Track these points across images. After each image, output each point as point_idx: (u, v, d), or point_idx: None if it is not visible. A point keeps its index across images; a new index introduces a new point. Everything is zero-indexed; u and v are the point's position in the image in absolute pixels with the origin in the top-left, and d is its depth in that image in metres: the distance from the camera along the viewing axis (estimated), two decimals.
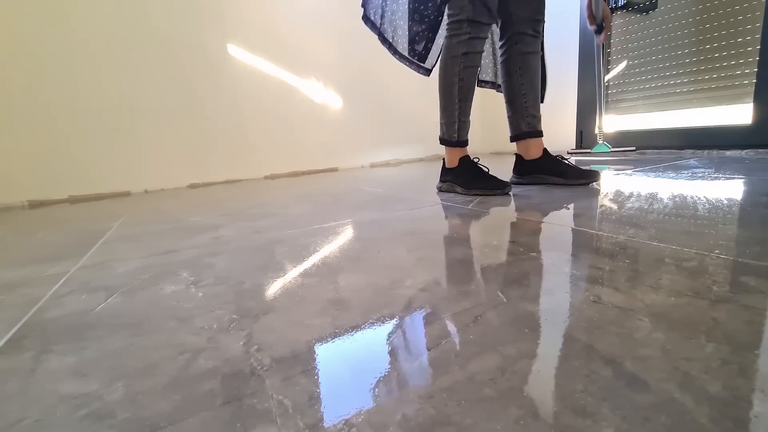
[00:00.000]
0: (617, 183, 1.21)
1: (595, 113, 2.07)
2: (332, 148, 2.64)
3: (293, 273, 0.61)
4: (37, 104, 1.86)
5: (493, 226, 0.81)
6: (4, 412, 0.32)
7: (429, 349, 0.37)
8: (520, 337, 0.37)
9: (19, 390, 0.35)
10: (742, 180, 1.11)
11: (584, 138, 2.35)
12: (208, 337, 0.42)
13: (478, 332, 0.39)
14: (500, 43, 1.26)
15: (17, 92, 1.82)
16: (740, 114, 1.75)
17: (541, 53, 1.24)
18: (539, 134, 1.27)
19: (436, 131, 1.28)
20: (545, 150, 1.27)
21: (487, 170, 1.22)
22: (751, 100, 1.69)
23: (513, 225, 0.80)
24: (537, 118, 1.26)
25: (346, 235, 0.83)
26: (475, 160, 1.25)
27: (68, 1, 1.87)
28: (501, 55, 1.27)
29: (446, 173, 1.29)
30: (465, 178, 1.21)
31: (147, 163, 2.13)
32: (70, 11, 1.88)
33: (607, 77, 2.22)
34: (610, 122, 2.24)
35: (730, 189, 1.00)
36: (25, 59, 1.82)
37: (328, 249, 0.73)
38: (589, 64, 2.24)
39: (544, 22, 1.21)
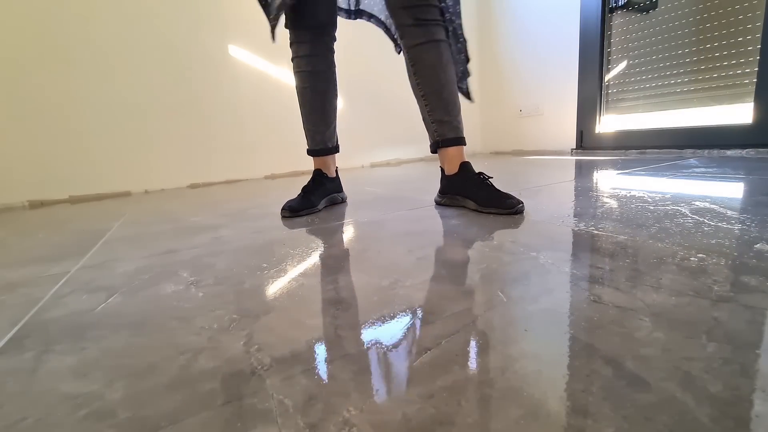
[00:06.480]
0: (617, 183, 1.21)
1: (596, 113, 2.05)
2: None
3: (293, 273, 0.61)
4: (38, 104, 1.86)
5: (493, 225, 0.81)
6: (6, 412, 0.32)
7: (429, 349, 0.37)
8: (520, 337, 0.37)
9: (20, 390, 0.35)
10: (743, 179, 1.11)
11: (585, 138, 2.35)
12: (209, 337, 0.42)
13: (478, 332, 0.39)
14: None
15: (18, 92, 1.82)
16: (740, 113, 1.75)
17: (444, 40, 0.98)
18: (451, 143, 1.02)
19: None
20: (463, 165, 1.01)
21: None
22: (752, 99, 1.69)
23: (513, 224, 0.80)
24: (445, 123, 1.01)
25: (347, 235, 0.83)
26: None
27: (69, 1, 1.87)
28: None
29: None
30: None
31: (147, 163, 2.13)
32: (71, 12, 1.88)
33: (607, 77, 2.22)
34: (610, 122, 2.24)
35: (731, 188, 1.00)
36: (26, 59, 1.82)
37: (328, 249, 0.73)
38: (590, 64, 2.24)
39: (437, 6, 0.95)
